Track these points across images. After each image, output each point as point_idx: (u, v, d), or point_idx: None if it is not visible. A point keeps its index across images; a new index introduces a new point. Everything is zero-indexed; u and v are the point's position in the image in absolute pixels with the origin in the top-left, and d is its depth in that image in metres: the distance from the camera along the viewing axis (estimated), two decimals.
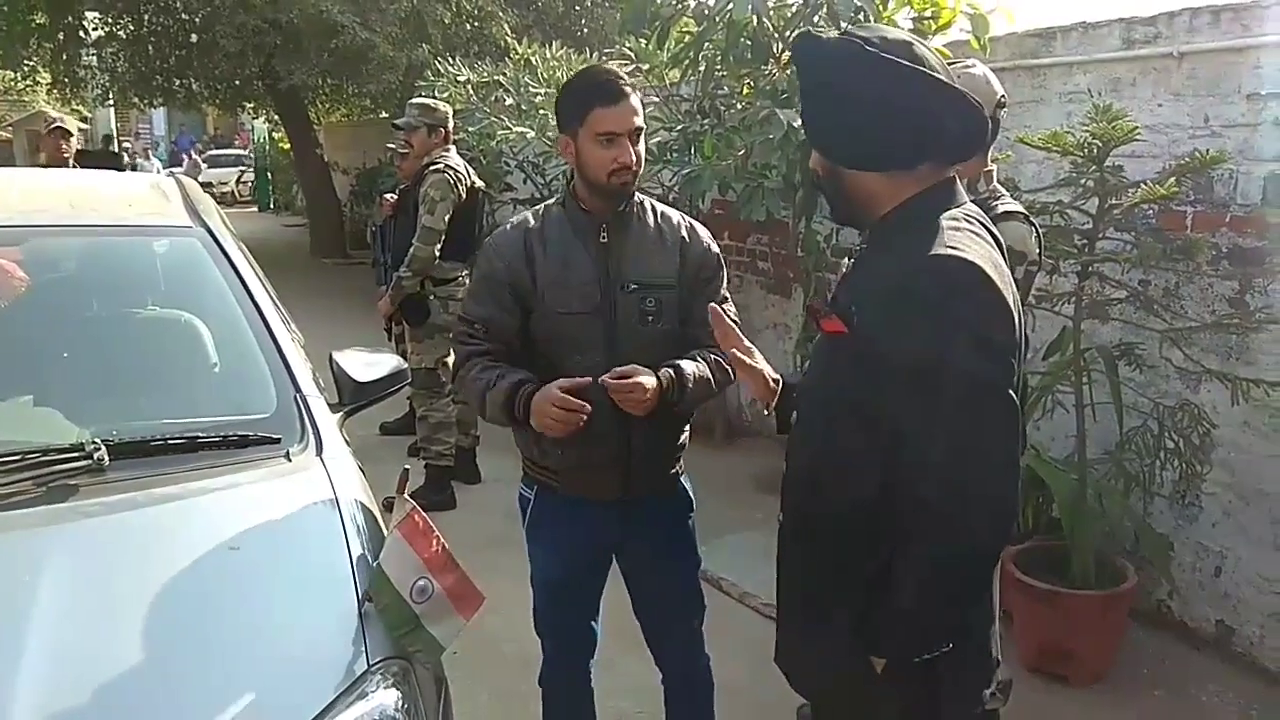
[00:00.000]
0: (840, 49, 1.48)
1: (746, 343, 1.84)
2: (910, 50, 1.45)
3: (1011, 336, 1.42)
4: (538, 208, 2.20)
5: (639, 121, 2.04)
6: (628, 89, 2.03)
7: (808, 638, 1.61)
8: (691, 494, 2.33)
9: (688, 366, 2.09)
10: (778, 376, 1.80)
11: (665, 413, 2.07)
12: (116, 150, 15.39)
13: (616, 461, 2.11)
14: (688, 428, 2.29)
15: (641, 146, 2.06)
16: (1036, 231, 2.42)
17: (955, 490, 1.36)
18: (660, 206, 2.22)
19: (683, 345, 2.15)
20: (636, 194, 2.16)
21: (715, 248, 2.24)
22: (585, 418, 1.98)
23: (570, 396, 1.96)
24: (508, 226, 2.18)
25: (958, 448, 1.36)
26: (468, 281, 4.75)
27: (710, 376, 2.14)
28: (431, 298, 4.59)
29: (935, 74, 1.45)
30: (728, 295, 2.25)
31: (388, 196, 5.09)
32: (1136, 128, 2.99)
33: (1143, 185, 3.04)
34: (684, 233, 2.18)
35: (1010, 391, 1.40)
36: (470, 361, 2.14)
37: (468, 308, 2.18)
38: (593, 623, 2.34)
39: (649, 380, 2.00)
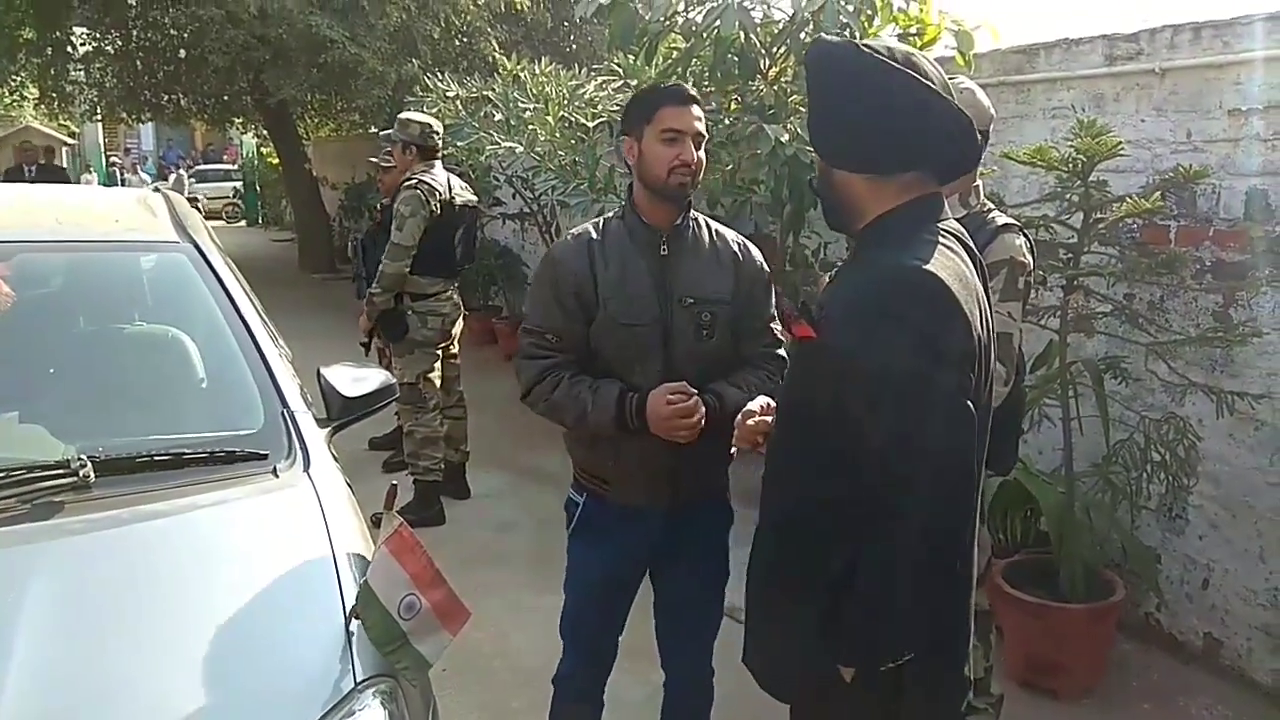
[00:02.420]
0: (839, 50, 1.54)
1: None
2: (910, 60, 1.48)
3: (968, 345, 1.44)
4: (597, 220, 2.26)
5: (701, 128, 2.12)
6: (694, 96, 2.15)
7: (775, 640, 1.62)
8: (733, 507, 2.36)
9: (731, 395, 2.13)
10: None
11: (712, 425, 2.12)
12: (61, 164, 15.22)
13: (666, 471, 2.16)
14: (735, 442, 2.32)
15: (702, 155, 2.13)
16: (1030, 243, 2.47)
17: (909, 496, 1.38)
18: (715, 224, 2.27)
19: (733, 361, 2.21)
20: (692, 212, 2.21)
21: (766, 267, 2.29)
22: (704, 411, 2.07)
23: (682, 397, 2.05)
24: (568, 237, 2.23)
25: (913, 452, 1.38)
26: (455, 295, 4.77)
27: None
28: (410, 313, 4.59)
29: (930, 85, 1.47)
30: (775, 313, 2.30)
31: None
32: (1120, 143, 3.02)
33: (1127, 200, 3.07)
34: (737, 250, 2.24)
35: (965, 398, 1.41)
36: (550, 375, 2.14)
37: (536, 320, 2.19)
38: (617, 637, 2.37)
39: (700, 410, 2.08)
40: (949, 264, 1.46)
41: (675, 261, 2.15)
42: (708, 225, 2.25)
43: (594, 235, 2.18)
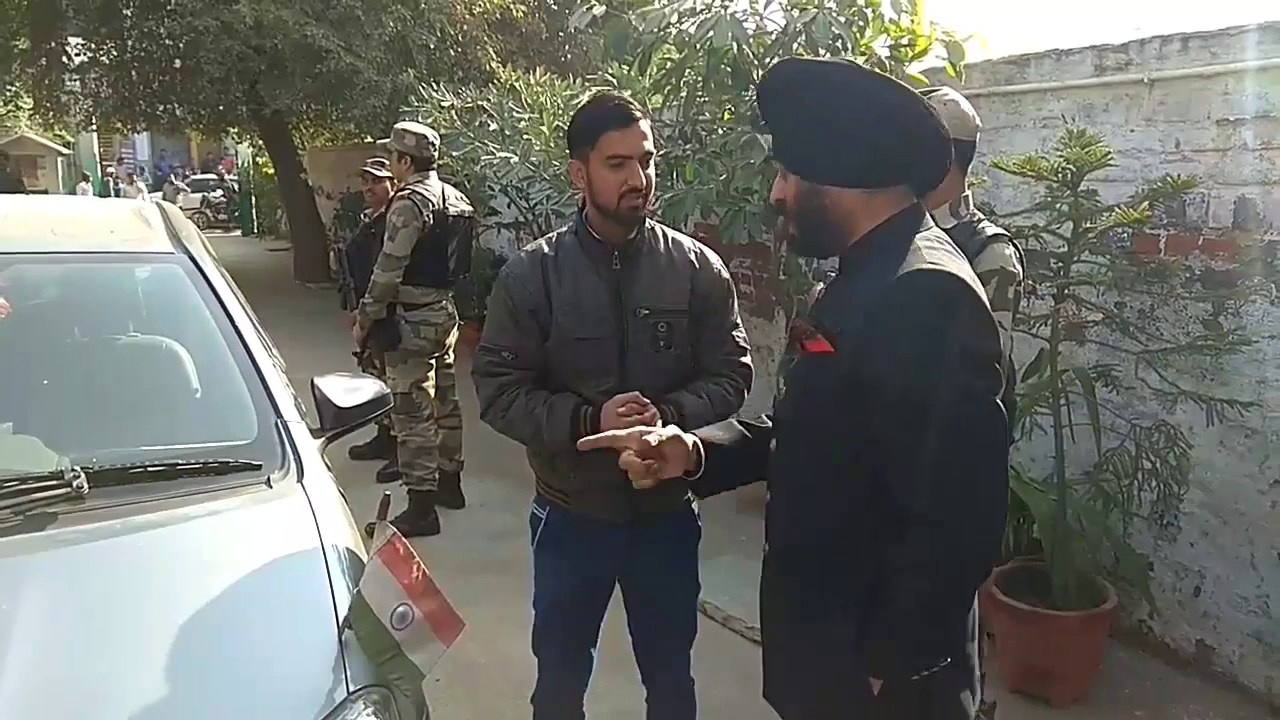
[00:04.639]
0: (823, 68, 1.55)
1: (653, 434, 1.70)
2: (886, 78, 1.51)
3: (996, 344, 1.44)
4: (550, 235, 2.23)
5: (649, 146, 2.07)
6: (638, 114, 2.07)
7: (804, 662, 1.60)
8: (699, 518, 2.35)
9: (690, 405, 2.13)
10: (696, 441, 1.70)
11: None
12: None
13: (627, 485, 2.11)
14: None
15: (651, 171, 2.10)
16: (1020, 253, 2.49)
17: (950, 503, 1.37)
18: (671, 233, 2.25)
19: (692, 370, 2.20)
20: (648, 221, 2.19)
21: (725, 273, 2.28)
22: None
23: (636, 409, 2.02)
24: (522, 255, 2.20)
25: (951, 461, 1.37)
26: (449, 305, 4.78)
27: (712, 412, 2.17)
28: (402, 323, 4.60)
29: (917, 96, 1.49)
30: (738, 321, 2.29)
31: None
32: (1109, 153, 3.04)
33: (1116, 209, 3.09)
34: (694, 258, 2.22)
35: (997, 400, 1.41)
36: (507, 392, 2.14)
37: (493, 338, 2.18)
38: (590, 649, 2.36)
39: (657, 422, 2.03)
40: (964, 268, 1.46)
41: (629, 274, 2.13)
42: (663, 234, 2.23)
43: (547, 251, 2.16)
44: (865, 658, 1.47)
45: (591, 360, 2.10)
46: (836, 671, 1.51)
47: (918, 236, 1.50)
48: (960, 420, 1.37)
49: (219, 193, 24.82)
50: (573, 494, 2.19)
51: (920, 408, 1.38)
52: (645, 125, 2.08)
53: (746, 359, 2.28)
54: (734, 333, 2.26)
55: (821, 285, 1.85)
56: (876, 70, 1.55)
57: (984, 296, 1.44)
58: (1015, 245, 2.49)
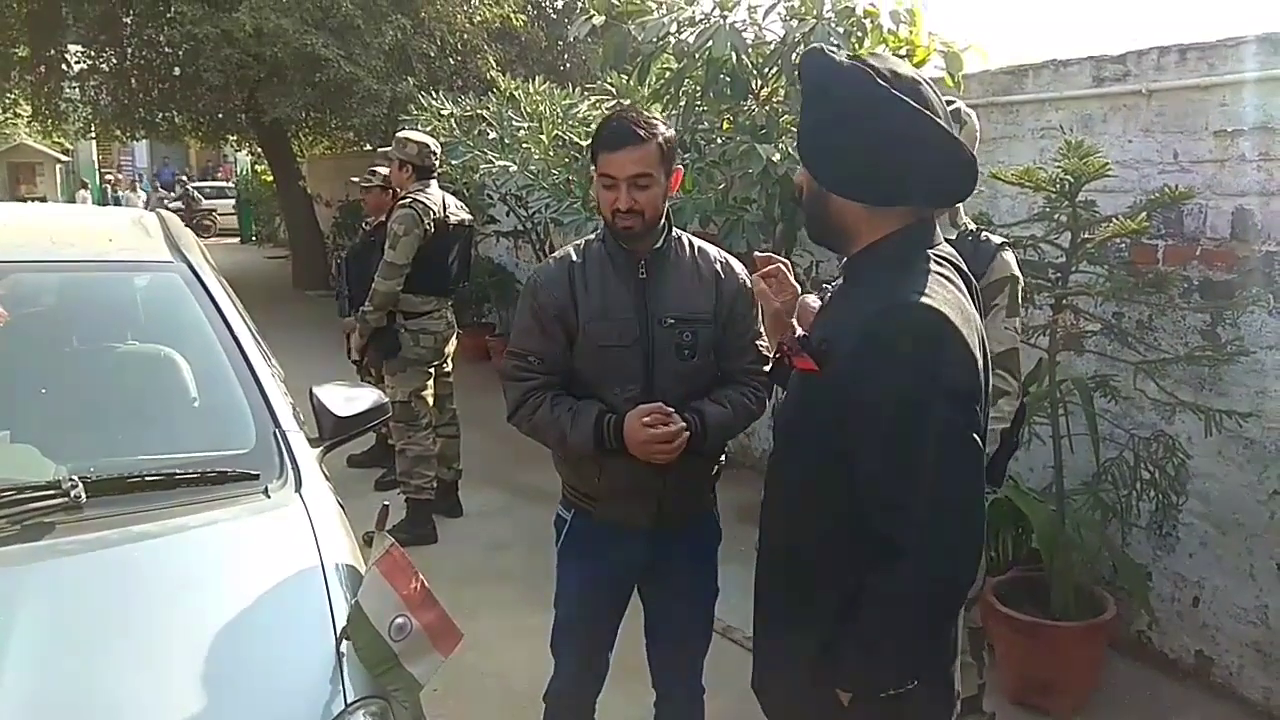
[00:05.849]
0: (851, 74, 1.47)
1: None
2: (917, 91, 1.45)
3: (976, 381, 1.44)
4: (579, 243, 2.26)
5: (637, 169, 2.05)
6: (632, 139, 2.05)
7: (776, 664, 1.62)
8: (721, 525, 2.37)
9: (712, 413, 2.14)
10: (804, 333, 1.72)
11: (693, 444, 2.12)
12: None
13: (651, 490, 2.16)
14: (723, 458, 2.33)
15: (649, 194, 2.08)
16: (1017, 259, 2.52)
17: (923, 531, 1.38)
18: (698, 242, 2.27)
19: (716, 378, 2.21)
20: (675, 230, 2.22)
21: (750, 283, 2.27)
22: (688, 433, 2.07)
23: (660, 420, 2.05)
24: (550, 261, 2.23)
25: (926, 491, 1.38)
26: (449, 314, 4.79)
27: (734, 420, 2.19)
28: (402, 331, 4.60)
29: (937, 119, 1.45)
30: (761, 330, 2.29)
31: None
32: (1107, 163, 3.05)
33: (1114, 220, 3.09)
34: (719, 268, 2.24)
35: (975, 435, 1.42)
36: (533, 397, 2.16)
37: (520, 342, 2.21)
38: (608, 653, 2.38)
39: (682, 434, 2.07)
40: (949, 296, 1.45)
41: (655, 282, 2.15)
42: (690, 244, 2.24)
43: (574, 258, 2.19)
44: (836, 670, 1.48)
45: (616, 367, 2.13)
46: (808, 679, 1.53)
47: (920, 255, 1.49)
48: (937, 455, 1.38)
49: (178, 201, 24.62)
50: (598, 498, 2.22)
51: (899, 438, 1.38)
52: (641, 149, 2.05)
53: (768, 366, 2.29)
54: (757, 342, 2.27)
55: (814, 297, 1.85)
56: (900, 74, 1.47)
57: (966, 332, 1.43)
58: (1013, 252, 2.53)
